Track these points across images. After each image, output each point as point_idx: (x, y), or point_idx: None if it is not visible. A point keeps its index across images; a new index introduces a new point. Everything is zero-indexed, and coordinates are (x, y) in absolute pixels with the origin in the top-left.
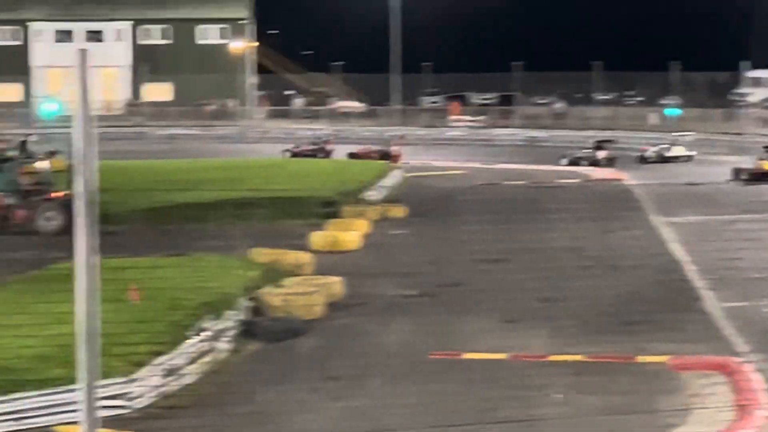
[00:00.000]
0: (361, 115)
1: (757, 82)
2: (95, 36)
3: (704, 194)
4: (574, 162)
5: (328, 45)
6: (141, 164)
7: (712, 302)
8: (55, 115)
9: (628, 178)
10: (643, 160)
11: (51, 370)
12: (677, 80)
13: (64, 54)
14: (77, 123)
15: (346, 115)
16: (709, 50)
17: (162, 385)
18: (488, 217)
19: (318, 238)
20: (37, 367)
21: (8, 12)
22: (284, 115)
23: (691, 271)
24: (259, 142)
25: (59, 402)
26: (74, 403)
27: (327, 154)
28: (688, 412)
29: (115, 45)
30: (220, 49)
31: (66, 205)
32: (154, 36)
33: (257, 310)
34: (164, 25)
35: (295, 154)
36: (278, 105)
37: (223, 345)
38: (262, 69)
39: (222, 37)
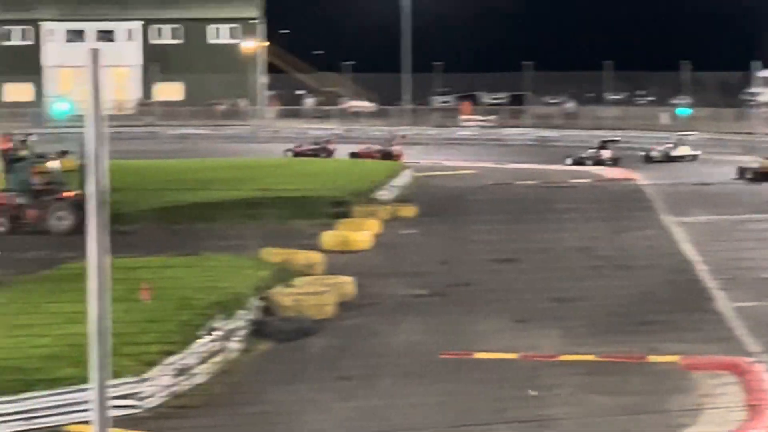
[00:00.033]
0: (372, 115)
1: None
2: (106, 36)
3: (715, 194)
4: (579, 162)
5: (338, 45)
6: (152, 164)
7: (723, 302)
8: (67, 114)
9: (640, 178)
10: (649, 159)
11: (62, 370)
12: (688, 80)
13: (75, 54)
14: (89, 123)
15: (356, 115)
16: (720, 50)
17: (173, 385)
18: (499, 216)
19: (329, 238)
20: (48, 366)
21: (20, 12)
22: (295, 114)
23: (702, 270)
24: (269, 142)
25: (70, 401)
26: (85, 402)
27: (329, 153)
28: (700, 412)
29: (126, 45)
30: (230, 48)
31: (77, 205)
32: (165, 36)
33: (268, 310)
34: (175, 25)
35: (296, 154)
36: (289, 104)
37: (234, 345)
38: (272, 69)
39: (233, 36)
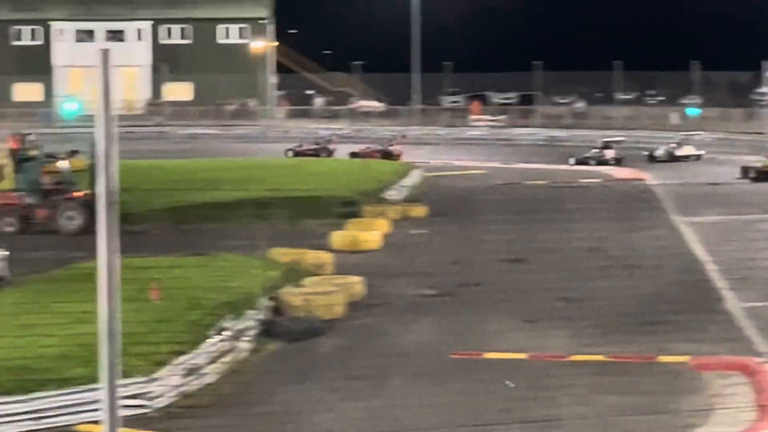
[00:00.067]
0: (382, 115)
1: None
2: (116, 35)
3: (725, 194)
4: (582, 161)
5: (348, 44)
6: (161, 164)
7: (733, 302)
8: (76, 114)
9: (649, 177)
10: (653, 159)
11: (71, 370)
12: (698, 80)
13: (84, 53)
14: (99, 122)
15: (366, 115)
16: (730, 50)
17: (182, 385)
18: (508, 216)
19: (338, 238)
20: (57, 366)
21: (30, 12)
22: (304, 114)
23: (712, 270)
24: (278, 142)
25: (80, 401)
26: (95, 402)
27: (329, 153)
28: (710, 412)
29: (136, 44)
30: (240, 48)
31: (87, 205)
32: (175, 36)
33: (277, 310)
34: (184, 25)
35: (297, 153)
36: (298, 104)
37: (244, 345)
38: (282, 68)
39: (242, 36)
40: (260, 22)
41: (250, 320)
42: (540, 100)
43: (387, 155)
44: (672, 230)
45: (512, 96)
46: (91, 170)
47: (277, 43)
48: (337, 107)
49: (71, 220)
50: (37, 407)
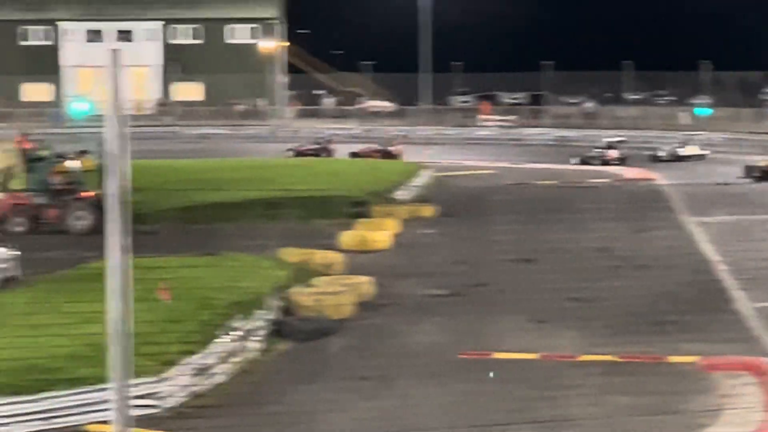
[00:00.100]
0: (391, 115)
1: None
2: (125, 36)
3: (734, 194)
4: (585, 161)
5: (358, 44)
6: (171, 164)
7: (743, 302)
8: (86, 114)
9: (659, 177)
10: (656, 159)
11: (82, 369)
12: (708, 80)
13: (94, 54)
14: (109, 123)
15: (376, 115)
16: (740, 50)
17: (192, 385)
18: (518, 216)
19: (348, 238)
20: (68, 366)
21: (39, 12)
22: (314, 114)
23: (722, 271)
24: (288, 142)
25: (90, 401)
26: (105, 402)
27: (329, 153)
28: (719, 413)
29: (146, 45)
30: (250, 48)
31: (96, 205)
32: (185, 36)
33: (287, 310)
34: (194, 25)
35: (297, 153)
36: (308, 104)
37: (253, 344)
38: (292, 69)
39: (252, 36)
40: (270, 22)
41: (260, 320)
42: (549, 100)
43: (387, 155)
44: (681, 230)
45: (522, 96)
46: (101, 170)
47: (287, 43)
48: (346, 107)
49: (81, 220)
50: (47, 407)
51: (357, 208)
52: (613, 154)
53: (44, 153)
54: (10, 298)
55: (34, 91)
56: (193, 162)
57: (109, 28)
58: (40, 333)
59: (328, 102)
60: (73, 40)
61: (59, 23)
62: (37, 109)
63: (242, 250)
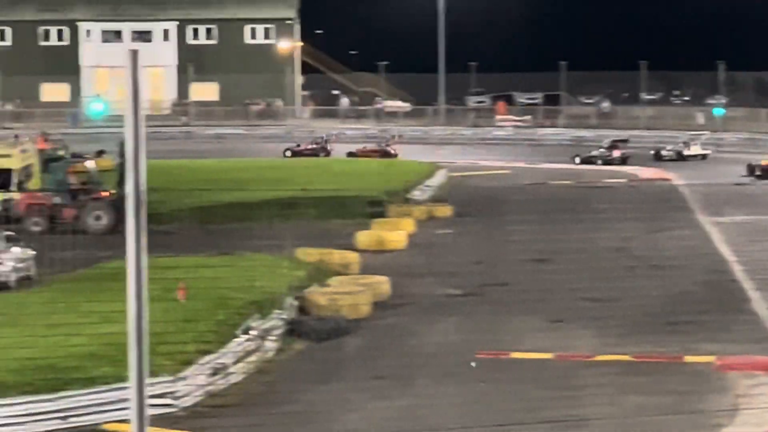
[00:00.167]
0: (407, 115)
1: None
2: (142, 36)
3: (750, 194)
4: (587, 161)
5: (374, 45)
6: (188, 164)
7: (759, 303)
8: (103, 114)
9: (675, 178)
10: (659, 158)
11: (99, 369)
12: (724, 80)
13: (111, 54)
14: (128, 123)
15: (391, 115)
16: (756, 50)
17: (209, 384)
18: (534, 216)
19: (364, 238)
20: (85, 365)
21: (57, 12)
22: (330, 114)
23: (738, 271)
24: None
25: (107, 400)
26: (122, 401)
27: (327, 153)
28: (736, 413)
29: (162, 45)
30: (266, 48)
31: (113, 205)
32: (201, 36)
33: (303, 310)
34: (211, 25)
35: (295, 153)
36: (324, 105)
37: (270, 344)
38: (307, 69)
39: (268, 37)
40: (286, 22)
41: (276, 320)
42: (566, 101)
43: (385, 155)
44: (697, 230)
45: (538, 96)
46: (119, 170)
47: (303, 44)
48: (362, 107)
49: (98, 220)
50: (64, 406)
51: (373, 208)
52: (616, 153)
53: (61, 153)
54: (27, 298)
55: (53, 91)
56: (209, 162)
57: (127, 28)
58: (57, 332)
59: (345, 102)
60: (91, 41)
61: (79, 23)
62: (56, 109)
63: (259, 250)
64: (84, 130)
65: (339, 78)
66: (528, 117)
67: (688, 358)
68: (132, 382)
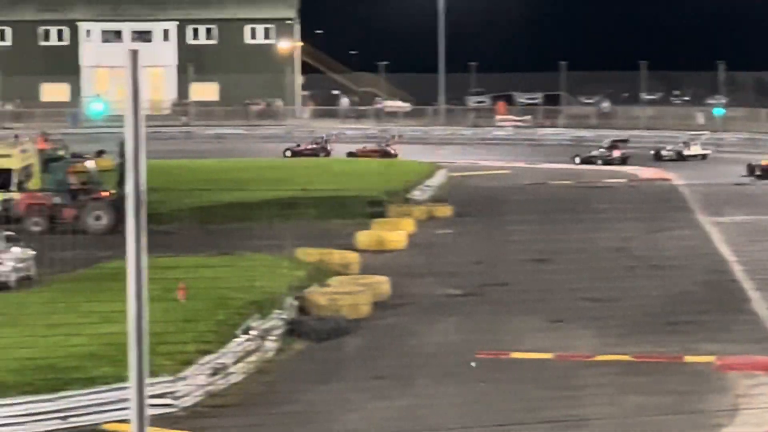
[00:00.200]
0: (407, 115)
1: None
2: (142, 36)
3: (750, 194)
4: (587, 161)
5: (374, 45)
6: (188, 164)
7: (759, 303)
8: (102, 114)
9: (674, 178)
10: (659, 158)
11: (99, 369)
12: (724, 80)
13: (111, 54)
14: (128, 123)
15: (392, 115)
16: (756, 50)
17: (209, 384)
18: (534, 216)
19: (364, 238)
20: (85, 365)
21: (57, 12)
22: (330, 114)
23: (738, 271)
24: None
25: (107, 400)
26: (122, 401)
27: (327, 153)
28: (736, 413)
29: (162, 45)
30: (266, 48)
31: (113, 205)
32: (201, 36)
33: (303, 310)
34: (210, 25)
35: (295, 153)
36: (324, 105)
37: (270, 344)
38: (307, 69)
39: (268, 37)
40: (286, 22)
41: (276, 320)
42: (566, 101)
43: (384, 155)
44: (697, 230)
45: (538, 96)
46: (119, 170)
47: (303, 44)
48: (363, 107)
49: (98, 220)
50: (64, 406)
51: (373, 208)
52: (616, 153)
53: (61, 153)
54: (27, 298)
55: (53, 91)
56: (209, 162)
57: (127, 28)
58: (58, 332)
59: (345, 102)
60: (91, 41)
61: (79, 23)
62: (56, 109)
63: (259, 250)
64: (84, 130)
65: (339, 78)
66: (528, 117)
67: (688, 358)
68: (132, 382)
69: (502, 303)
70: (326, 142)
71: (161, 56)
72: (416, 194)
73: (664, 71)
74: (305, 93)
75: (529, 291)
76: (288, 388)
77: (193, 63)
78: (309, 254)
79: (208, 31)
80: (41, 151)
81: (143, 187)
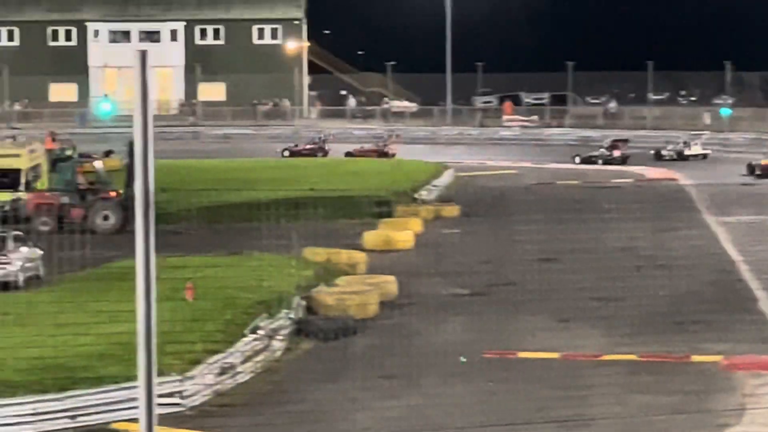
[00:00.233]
0: (414, 115)
1: None
2: (150, 36)
3: (756, 194)
4: (587, 160)
5: (381, 45)
6: (196, 164)
7: (766, 302)
8: (110, 114)
9: (681, 177)
10: (659, 158)
11: (107, 368)
12: (731, 80)
13: (119, 54)
14: (136, 123)
15: (399, 115)
16: (763, 50)
17: (216, 384)
18: (541, 216)
19: (371, 237)
20: (93, 364)
21: (65, 12)
22: (337, 114)
23: (745, 271)
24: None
25: (115, 399)
26: (130, 400)
27: (325, 153)
28: (743, 412)
29: (170, 45)
30: (273, 49)
31: (121, 205)
32: (208, 36)
33: (311, 309)
34: (218, 26)
35: (293, 153)
36: (331, 105)
37: (277, 343)
38: (315, 69)
39: (275, 37)
40: (294, 22)
41: (284, 319)
42: (572, 101)
43: (382, 155)
44: (704, 230)
45: (544, 96)
46: (127, 170)
47: (310, 44)
48: (370, 107)
49: (106, 220)
50: (73, 405)
51: (381, 208)
52: (617, 153)
53: (69, 153)
54: (35, 297)
55: (61, 92)
56: (217, 162)
57: (135, 28)
58: (66, 332)
59: (352, 102)
60: (99, 41)
61: (87, 24)
62: (64, 109)
63: (266, 250)
64: (92, 130)
65: (346, 78)
66: (535, 117)
67: (695, 358)
68: (141, 381)
69: (509, 303)
70: (324, 142)
71: (169, 56)
72: (423, 194)
73: (670, 71)
74: (312, 93)
75: (536, 291)
76: (295, 387)
77: (200, 63)
78: (317, 254)
79: (216, 31)
80: (49, 151)
81: (152, 186)
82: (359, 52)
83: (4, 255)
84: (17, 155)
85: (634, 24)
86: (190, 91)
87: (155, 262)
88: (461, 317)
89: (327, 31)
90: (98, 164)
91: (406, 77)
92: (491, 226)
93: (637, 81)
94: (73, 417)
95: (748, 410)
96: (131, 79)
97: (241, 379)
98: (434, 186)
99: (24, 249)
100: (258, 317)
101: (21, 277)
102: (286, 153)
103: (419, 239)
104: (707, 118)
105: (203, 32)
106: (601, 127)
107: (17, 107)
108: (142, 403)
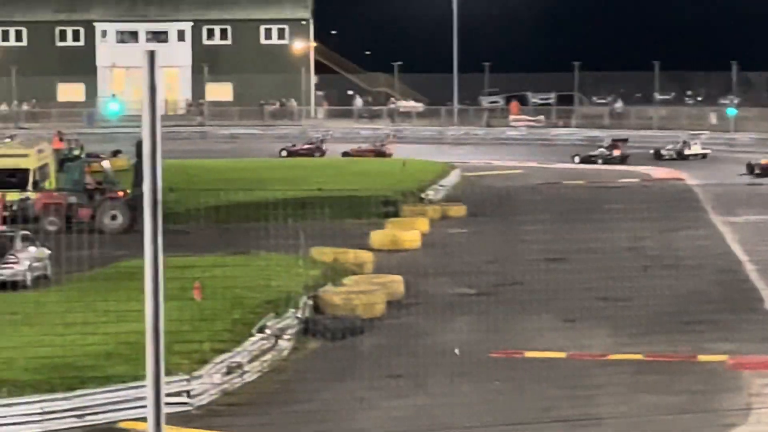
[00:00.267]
0: (421, 115)
1: None
2: (157, 36)
3: (763, 194)
4: (586, 160)
5: (387, 45)
6: (203, 163)
7: None
8: (118, 114)
9: (688, 177)
10: (659, 157)
11: (115, 367)
12: (737, 80)
13: (127, 54)
14: (145, 123)
15: (406, 115)
16: None
17: (224, 383)
18: (547, 216)
19: (378, 237)
20: (101, 364)
21: (73, 13)
22: (344, 114)
23: (751, 271)
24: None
25: (123, 399)
26: (138, 399)
27: (322, 153)
28: (749, 412)
29: (177, 45)
30: (280, 49)
31: (129, 204)
32: (216, 36)
33: (318, 309)
34: (225, 26)
35: (291, 153)
36: (338, 105)
37: (285, 343)
38: (322, 69)
39: (282, 37)
40: (301, 23)
41: (291, 319)
42: (579, 101)
43: (380, 154)
44: (710, 230)
45: (551, 96)
46: (135, 170)
47: (317, 44)
48: (376, 107)
49: (114, 220)
50: (80, 404)
51: (387, 208)
52: (616, 152)
53: (77, 153)
54: (43, 297)
55: (69, 92)
56: (224, 162)
57: (142, 28)
58: (74, 331)
59: (359, 102)
60: (106, 41)
61: (95, 24)
62: (72, 109)
63: (274, 249)
64: (100, 130)
65: (353, 78)
66: (541, 117)
67: (701, 358)
68: (149, 380)
69: (515, 302)
70: (321, 141)
71: (176, 56)
72: (430, 194)
73: (677, 71)
74: (319, 93)
75: (543, 290)
76: (303, 386)
77: (207, 63)
78: (324, 253)
79: (223, 31)
80: (57, 151)
81: (160, 186)
82: (366, 52)
83: (13, 255)
84: (25, 155)
85: (641, 24)
86: (198, 91)
87: (163, 261)
88: (468, 317)
89: (334, 32)
90: (106, 164)
91: (413, 77)
92: (498, 226)
93: (644, 81)
94: (80, 416)
95: (754, 410)
96: (139, 79)
97: (249, 378)
98: (441, 186)
99: (32, 249)
100: (265, 317)
101: (29, 277)
102: (284, 153)
103: (426, 239)
104: (713, 118)
105: (210, 32)
106: (608, 127)
107: (25, 107)
108: (150, 402)
